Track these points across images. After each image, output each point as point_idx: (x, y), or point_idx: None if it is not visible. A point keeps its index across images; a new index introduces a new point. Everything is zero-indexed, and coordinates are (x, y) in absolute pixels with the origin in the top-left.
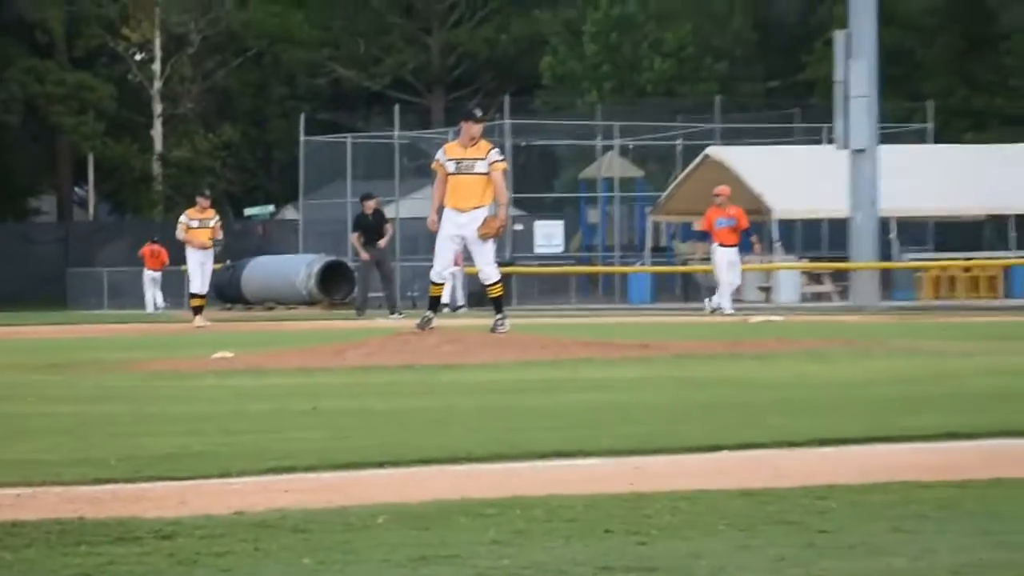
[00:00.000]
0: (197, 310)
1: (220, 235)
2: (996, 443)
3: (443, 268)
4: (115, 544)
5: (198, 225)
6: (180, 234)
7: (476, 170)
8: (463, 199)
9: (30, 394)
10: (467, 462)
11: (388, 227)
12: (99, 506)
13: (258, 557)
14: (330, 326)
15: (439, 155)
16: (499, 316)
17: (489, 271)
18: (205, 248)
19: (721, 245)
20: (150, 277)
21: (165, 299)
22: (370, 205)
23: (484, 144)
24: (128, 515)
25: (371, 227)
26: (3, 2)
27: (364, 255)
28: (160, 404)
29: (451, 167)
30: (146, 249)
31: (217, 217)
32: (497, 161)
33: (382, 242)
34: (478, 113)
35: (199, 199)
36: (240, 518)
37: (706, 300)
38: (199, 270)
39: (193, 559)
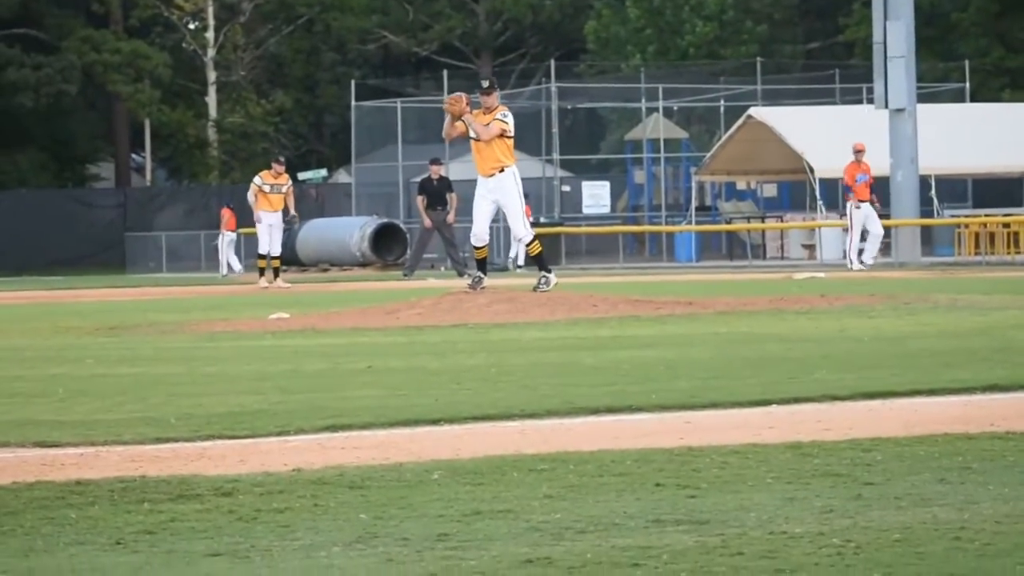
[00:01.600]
0: (262, 271)
1: (292, 201)
2: None
3: (481, 231)
4: (176, 501)
5: (271, 190)
6: (251, 197)
7: (485, 136)
8: (482, 164)
9: (90, 356)
10: (519, 418)
11: (453, 196)
12: (160, 464)
13: (316, 513)
14: (383, 287)
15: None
16: (541, 276)
17: (519, 230)
18: (275, 211)
19: (860, 200)
20: (228, 240)
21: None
22: (436, 170)
23: (498, 109)
24: (189, 473)
25: (435, 192)
26: None
27: (427, 221)
28: (218, 364)
29: (471, 133)
30: (225, 211)
31: (290, 182)
32: (498, 119)
33: (450, 216)
34: (486, 83)
35: (274, 164)
36: (298, 475)
37: (852, 260)
38: (267, 232)
39: (253, 515)
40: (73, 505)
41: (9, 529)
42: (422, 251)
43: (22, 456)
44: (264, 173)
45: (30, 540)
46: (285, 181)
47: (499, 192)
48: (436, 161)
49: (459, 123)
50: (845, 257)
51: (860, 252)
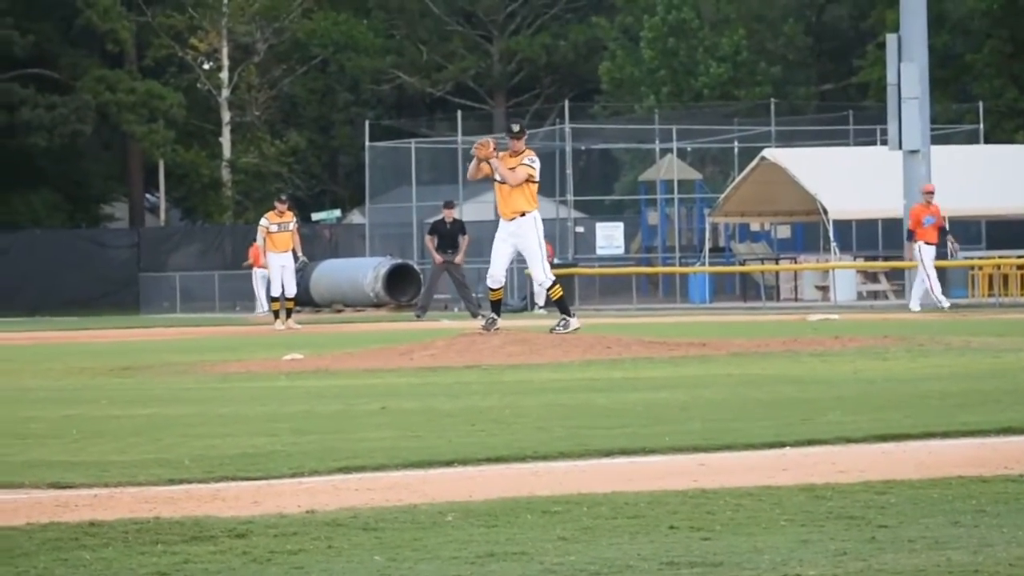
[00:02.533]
0: (276, 313)
1: (298, 240)
2: None
3: (498, 272)
4: (190, 543)
5: (278, 229)
6: (260, 240)
7: (511, 180)
8: (504, 207)
9: (104, 397)
10: (533, 460)
11: (465, 239)
12: (174, 505)
13: (330, 555)
14: (397, 327)
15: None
16: (561, 318)
17: (539, 276)
18: (285, 252)
19: (927, 243)
20: (261, 275)
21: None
22: (450, 213)
23: (526, 153)
24: (203, 514)
25: (447, 235)
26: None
27: (437, 259)
28: (232, 405)
29: (497, 177)
30: (254, 249)
31: (295, 220)
32: (525, 164)
33: (458, 257)
34: (515, 128)
35: (277, 204)
36: (312, 517)
37: (914, 302)
38: (279, 273)
39: (267, 557)
40: (87, 547)
41: (23, 571)
42: (432, 291)
43: (36, 497)
44: (269, 214)
45: None
46: (290, 219)
47: (519, 237)
48: (450, 204)
49: (485, 165)
50: (921, 299)
51: (923, 291)
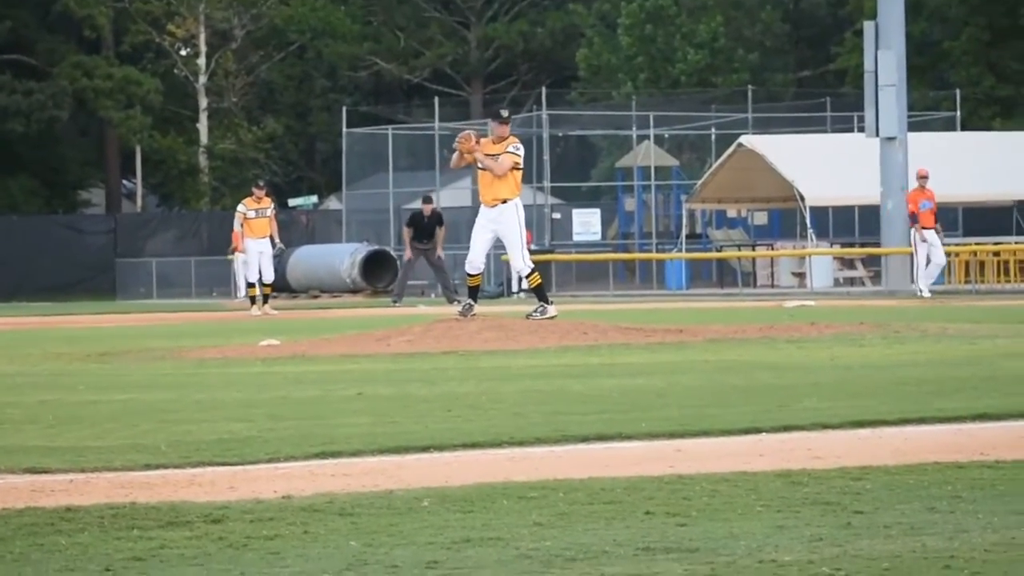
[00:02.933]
0: (253, 299)
1: (275, 227)
2: None
3: (477, 259)
4: (166, 528)
5: (255, 215)
6: (237, 225)
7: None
8: (486, 194)
9: (81, 382)
10: (509, 446)
11: (441, 231)
12: (150, 491)
13: (306, 540)
14: (374, 313)
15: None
16: (538, 305)
17: (518, 264)
18: (262, 238)
19: (923, 227)
20: (242, 260)
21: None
22: (428, 208)
23: (510, 140)
24: (179, 500)
25: (425, 227)
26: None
27: (409, 253)
28: (208, 391)
29: (480, 165)
30: (236, 234)
31: (273, 206)
32: (510, 152)
33: (437, 251)
34: (504, 113)
35: (255, 190)
36: (288, 502)
37: (921, 288)
38: (256, 259)
39: (243, 543)
40: (63, 532)
41: None
42: (407, 278)
43: (11, 482)
44: (247, 200)
45: (19, 567)
46: (268, 205)
47: (500, 224)
48: (428, 200)
49: (468, 156)
50: (913, 284)
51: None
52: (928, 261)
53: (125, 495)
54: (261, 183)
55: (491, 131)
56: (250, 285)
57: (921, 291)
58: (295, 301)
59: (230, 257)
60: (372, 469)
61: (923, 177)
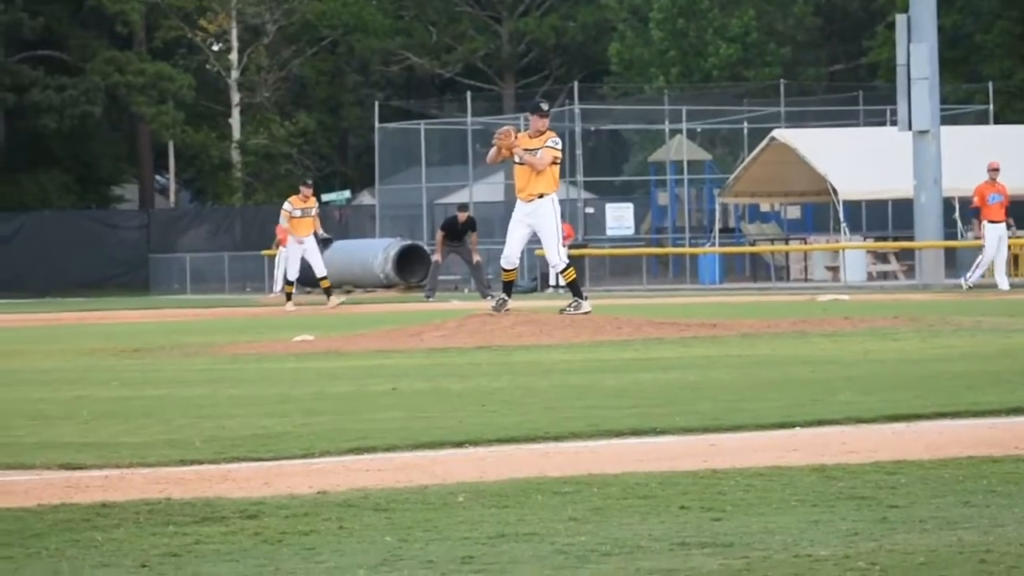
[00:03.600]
0: (289, 296)
1: (318, 224)
2: None
3: (512, 254)
4: (201, 524)
5: (301, 214)
6: (283, 222)
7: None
8: (522, 188)
9: (114, 378)
10: (544, 441)
11: (474, 236)
12: (185, 487)
13: (342, 536)
14: (407, 308)
15: (514, 140)
16: (573, 300)
17: (554, 258)
18: (307, 235)
19: (991, 221)
20: (284, 256)
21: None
22: (463, 216)
23: (548, 134)
24: (213, 495)
25: (458, 233)
26: None
27: (438, 257)
28: (242, 386)
29: (515, 157)
30: (280, 227)
31: (318, 205)
32: (549, 147)
33: (475, 257)
34: (544, 107)
35: (302, 188)
36: (323, 497)
37: (963, 277)
38: (298, 257)
39: (278, 538)
40: (98, 527)
41: (35, 551)
42: (437, 273)
43: (47, 478)
44: (293, 198)
45: (55, 563)
46: (313, 204)
47: (536, 218)
48: (464, 208)
49: (505, 151)
50: (969, 276)
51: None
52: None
53: (160, 491)
54: (309, 181)
55: (530, 125)
56: (288, 283)
57: (1003, 283)
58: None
59: (274, 252)
60: (407, 464)
61: (994, 170)
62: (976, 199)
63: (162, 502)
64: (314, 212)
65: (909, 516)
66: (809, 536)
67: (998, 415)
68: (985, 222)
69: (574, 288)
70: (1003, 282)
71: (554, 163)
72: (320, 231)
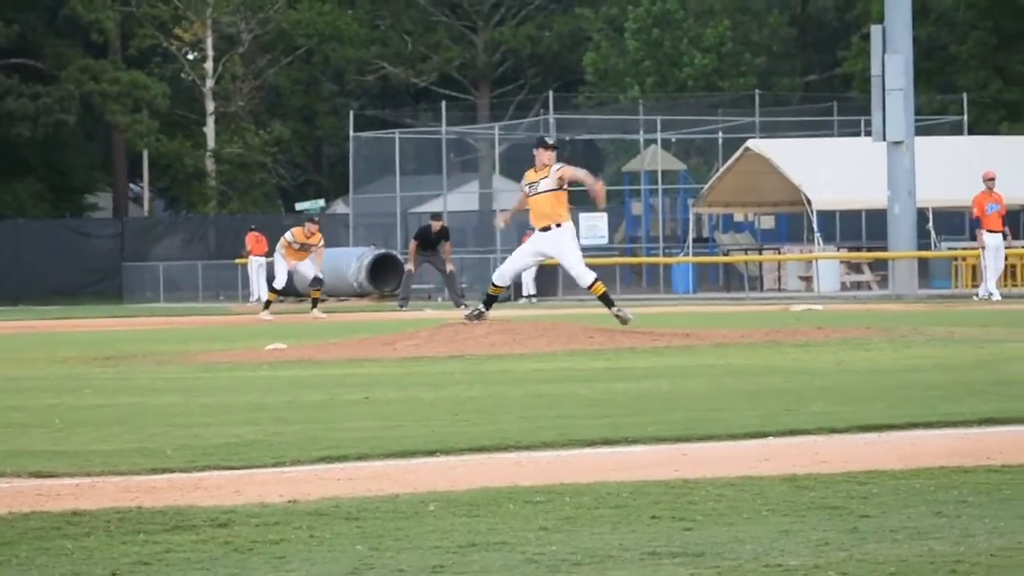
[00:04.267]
0: (268, 304)
1: (320, 261)
2: None
3: (508, 274)
4: (172, 532)
5: (300, 248)
6: (280, 250)
7: (542, 189)
8: (536, 218)
9: (87, 386)
10: (516, 450)
11: (448, 245)
12: (156, 495)
13: (312, 544)
14: (380, 317)
15: (522, 182)
16: (612, 310)
17: (580, 275)
18: (298, 261)
19: (989, 231)
20: (257, 264)
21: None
22: (437, 225)
23: (553, 167)
24: (185, 504)
25: (432, 243)
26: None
27: (411, 266)
28: (215, 395)
29: (527, 190)
30: (250, 236)
31: (322, 242)
32: (558, 169)
33: (448, 267)
34: (550, 141)
35: (308, 224)
36: (294, 506)
37: (992, 291)
38: (285, 268)
39: (248, 547)
40: (69, 536)
41: (4, 560)
42: (410, 283)
43: (18, 486)
44: (296, 230)
45: (25, 571)
46: (317, 242)
47: (554, 250)
48: (438, 216)
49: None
50: (982, 288)
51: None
52: (987, 265)
53: (131, 499)
54: (316, 218)
55: (535, 160)
56: (272, 290)
57: (991, 294)
58: (301, 305)
59: (245, 260)
60: (378, 473)
61: (990, 179)
62: (976, 209)
63: (133, 510)
64: (314, 250)
65: (880, 526)
66: (780, 546)
67: (970, 426)
68: (985, 231)
69: (605, 300)
70: (995, 293)
71: (561, 187)
72: (320, 271)
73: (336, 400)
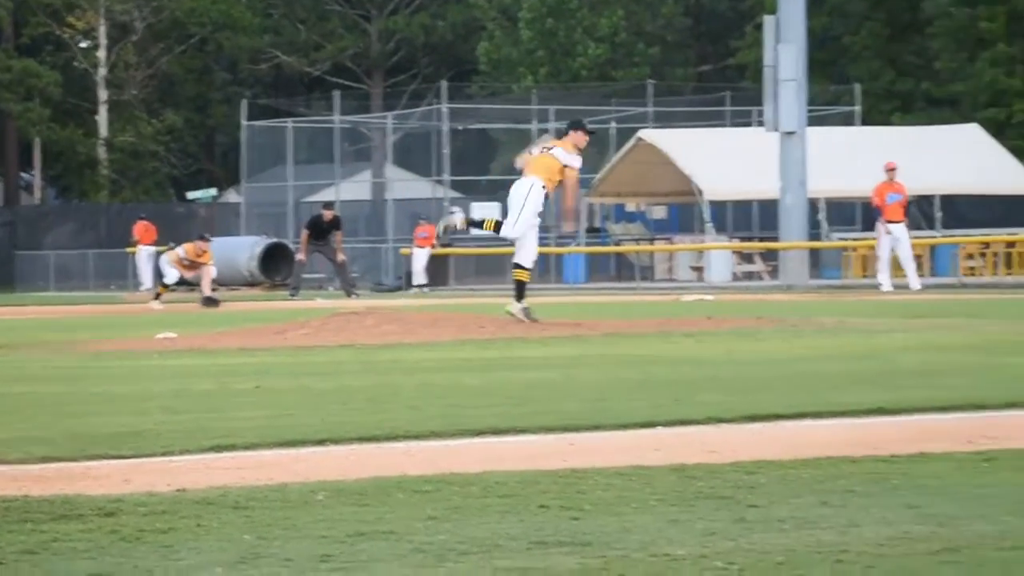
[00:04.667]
0: (158, 296)
1: (207, 282)
2: (922, 418)
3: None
4: (59, 521)
5: (189, 264)
6: (168, 258)
7: (556, 155)
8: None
9: None
10: (405, 440)
11: (339, 235)
12: (44, 484)
13: (200, 533)
14: (272, 306)
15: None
16: (519, 304)
17: (513, 227)
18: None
19: (890, 221)
20: (146, 253)
21: (113, 281)
22: (328, 214)
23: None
24: (72, 492)
25: (323, 232)
26: None
27: (302, 255)
28: (105, 384)
29: (535, 151)
30: (139, 225)
31: (211, 263)
32: (570, 165)
33: (340, 256)
34: (588, 127)
35: (199, 242)
36: (182, 495)
37: (883, 282)
38: (176, 272)
39: (136, 536)
40: None
41: None
42: (302, 272)
43: None
44: (189, 247)
45: None
46: (207, 260)
47: (519, 191)
48: (329, 206)
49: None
50: (876, 278)
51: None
52: (880, 256)
53: (18, 488)
54: (207, 236)
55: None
56: (164, 285)
57: (886, 285)
58: (193, 294)
59: (134, 250)
60: (267, 462)
61: (891, 170)
62: (875, 199)
63: (19, 499)
64: (203, 267)
65: (767, 516)
66: (667, 535)
67: (859, 415)
68: (884, 221)
69: (518, 288)
70: (915, 282)
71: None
72: (205, 288)
73: (226, 389)
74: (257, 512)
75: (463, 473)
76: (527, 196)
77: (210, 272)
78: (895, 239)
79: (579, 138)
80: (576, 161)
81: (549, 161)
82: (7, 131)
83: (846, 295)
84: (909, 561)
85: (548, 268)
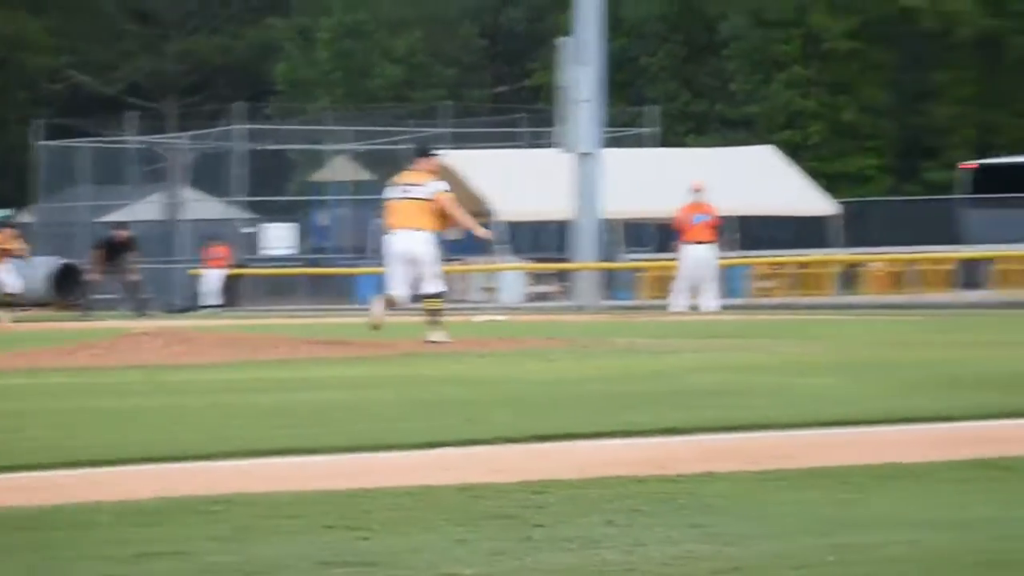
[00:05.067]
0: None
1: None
2: (710, 438)
3: (400, 286)
4: None
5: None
6: None
7: (414, 195)
8: (400, 219)
9: None
10: (195, 460)
11: (132, 255)
12: None
13: None
14: (62, 327)
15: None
16: (436, 333)
17: (434, 281)
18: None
19: (698, 242)
20: None
21: None
22: (122, 235)
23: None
24: None
25: (116, 252)
26: None
27: (95, 276)
28: None
29: (398, 193)
30: None
31: (24, 248)
32: (441, 192)
33: (135, 276)
34: (432, 151)
35: (5, 230)
36: None
37: (674, 301)
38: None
39: None
40: None
41: None
42: (93, 292)
43: None
44: None
45: None
46: (22, 253)
47: (422, 252)
48: (122, 227)
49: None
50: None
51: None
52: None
53: None
54: (12, 222)
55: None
56: None
57: (671, 305)
58: None
59: None
60: (52, 483)
61: (698, 190)
62: (678, 220)
63: None
64: (16, 253)
65: (553, 535)
66: (454, 555)
67: (649, 435)
68: (686, 243)
69: (436, 316)
70: (714, 302)
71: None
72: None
73: (12, 410)
74: (40, 533)
75: (251, 493)
76: (433, 253)
77: (23, 255)
78: (698, 259)
79: (431, 163)
80: (441, 185)
81: (425, 206)
82: None
83: (638, 316)
84: None
85: (342, 289)
